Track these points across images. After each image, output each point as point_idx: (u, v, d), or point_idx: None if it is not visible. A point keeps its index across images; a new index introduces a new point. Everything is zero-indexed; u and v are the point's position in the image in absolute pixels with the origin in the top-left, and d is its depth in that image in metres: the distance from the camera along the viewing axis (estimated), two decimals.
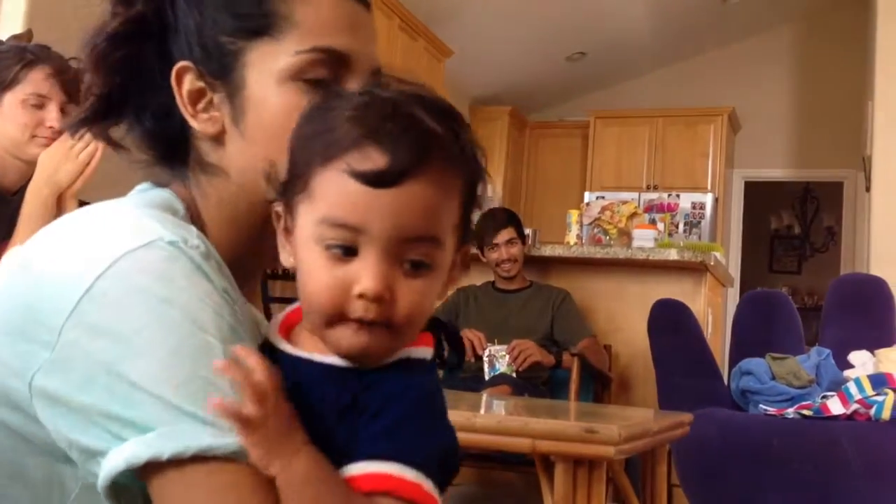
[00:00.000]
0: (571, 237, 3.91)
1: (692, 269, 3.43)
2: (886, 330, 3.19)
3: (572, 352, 2.96)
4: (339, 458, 0.62)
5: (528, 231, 3.94)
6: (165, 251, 0.64)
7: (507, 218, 3.30)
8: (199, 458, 0.59)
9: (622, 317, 3.47)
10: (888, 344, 3.02)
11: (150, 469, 0.60)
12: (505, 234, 3.20)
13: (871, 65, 4.71)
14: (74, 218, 0.70)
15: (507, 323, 3.14)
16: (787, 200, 8.60)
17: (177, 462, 0.59)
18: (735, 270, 7.00)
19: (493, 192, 6.56)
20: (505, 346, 2.99)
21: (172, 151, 0.78)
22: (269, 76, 0.73)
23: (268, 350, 0.67)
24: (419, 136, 0.63)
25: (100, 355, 0.61)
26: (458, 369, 3.19)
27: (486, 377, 2.96)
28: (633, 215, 4.05)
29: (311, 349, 0.67)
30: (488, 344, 3.02)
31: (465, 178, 0.66)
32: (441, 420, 0.67)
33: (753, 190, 7.37)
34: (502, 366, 2.96)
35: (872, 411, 2.51)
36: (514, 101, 7.21)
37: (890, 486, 2.48)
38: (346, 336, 0.63)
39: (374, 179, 0.61)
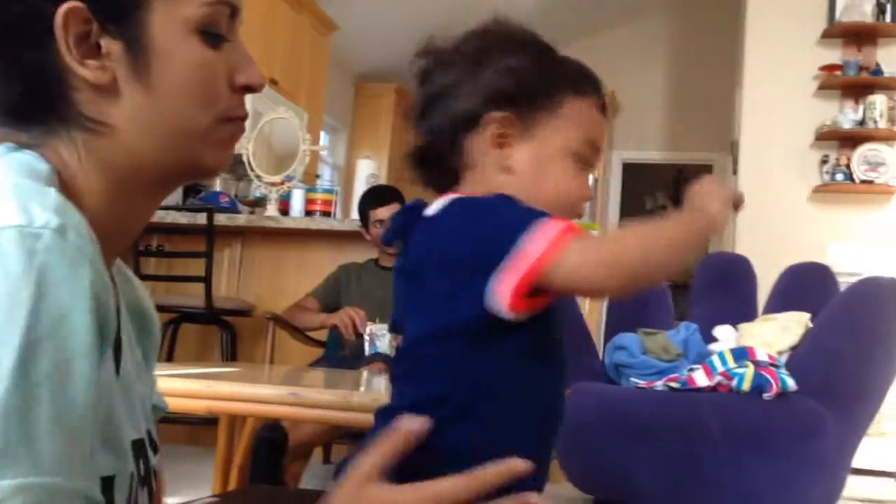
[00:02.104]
0: None
1: None
2: (749, 306, 3.37)
3: None
4: None
5: None
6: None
7: (392, 194, 3.29)
8: None
9: None
10: (750, 319, 3.19)
11: None
12: (390, 210, 3.19)
13: (741, 53, 4.93)
14: None
15: (390, 300, 3.13)
16: (662, 182, 8.94)
17: None
18: None
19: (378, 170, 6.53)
20: (387, 325, 2.99)
21: (30, 105, 0.68)
22: (176, 26, 0.68)
23: None
24: None
25: None
26: (338, 348, 3.17)
27: (367, 355, 2.96)
28: None
29: None
30: (370, 322, 3.01)
31: None
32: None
33: (631, 171, 7.63)
34: (383, 344, 2.96)
35: (734, 383, 2.65)
36: (400, 78, 7.17)
37: (749, 452, 2.63)
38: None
39: (605, 112, 0.87)
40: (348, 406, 1.38)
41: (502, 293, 0.69)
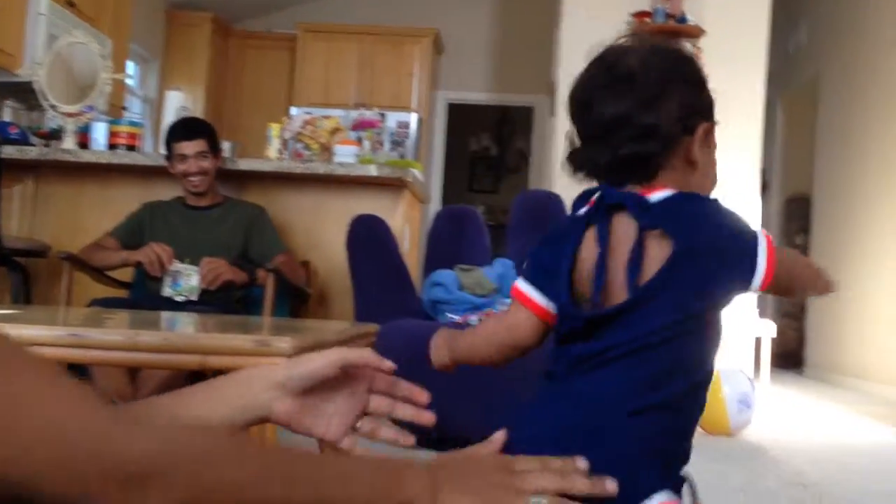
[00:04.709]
0: (272, 152, 3.80)
1: (391, 185, 3.49)
2: None
3: (267, 268, 2.90)
4: None
5: (226, 144, 3.77)
6: None
7: (199, 129, 3.11)
8: None
9: (321, 232, 3.46)
10: None
11: None
12: (195, 146, 3.02)
13: None
14: None
15: (199, 241, 2.99)
16: (486, 123, 9.07)
17: None
18: (437, 189, 7.30)
19: (192, 103, 6.20)
20: (196, 267, 2.86)
21: None
22: None
23: None
24: None
25: None
26: (143, 287, 3.01)
27: (163, 292, 2.83)
28: (335, 131, 4.01)
29: None
30: (176, 261, 2.87)
31: None
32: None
33: (456, 112, 7.67)
34: (187, 284, 2.84)
35: None
36: (216, 7, 6.82)
37: None
38: None
39: None
40: (134, 346, 1.29)
41: (760, 278, 0.88)
